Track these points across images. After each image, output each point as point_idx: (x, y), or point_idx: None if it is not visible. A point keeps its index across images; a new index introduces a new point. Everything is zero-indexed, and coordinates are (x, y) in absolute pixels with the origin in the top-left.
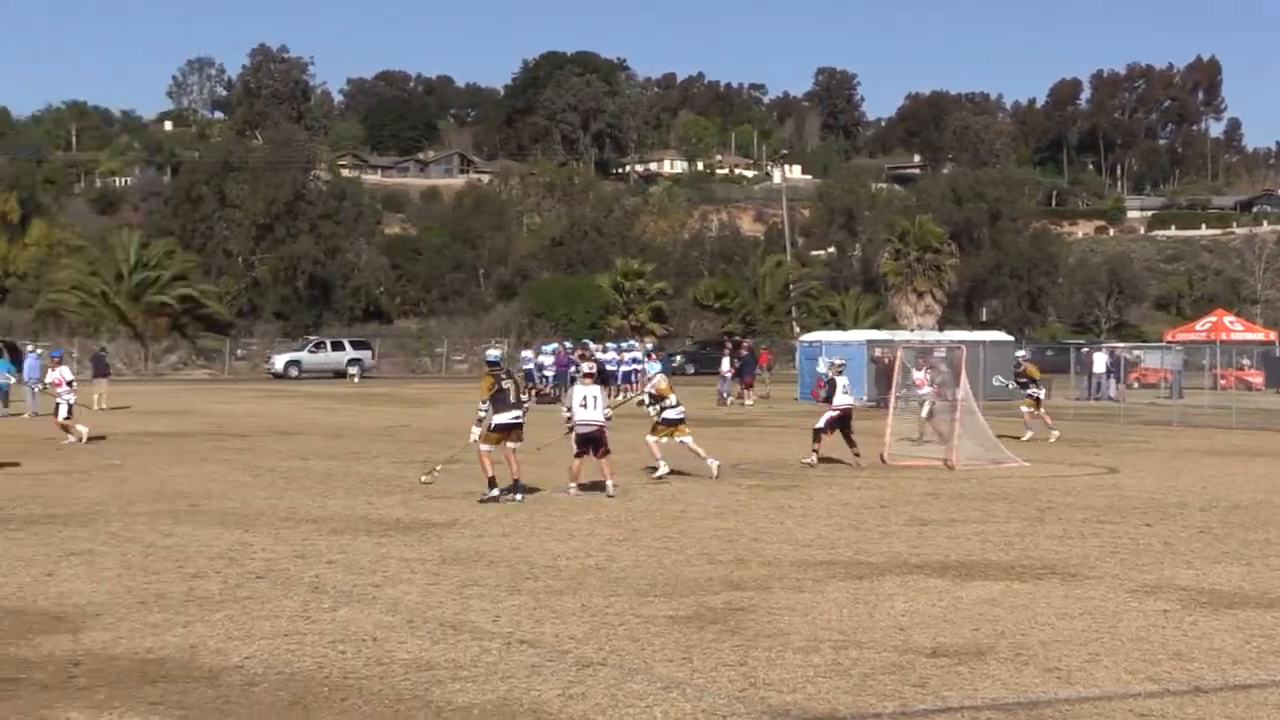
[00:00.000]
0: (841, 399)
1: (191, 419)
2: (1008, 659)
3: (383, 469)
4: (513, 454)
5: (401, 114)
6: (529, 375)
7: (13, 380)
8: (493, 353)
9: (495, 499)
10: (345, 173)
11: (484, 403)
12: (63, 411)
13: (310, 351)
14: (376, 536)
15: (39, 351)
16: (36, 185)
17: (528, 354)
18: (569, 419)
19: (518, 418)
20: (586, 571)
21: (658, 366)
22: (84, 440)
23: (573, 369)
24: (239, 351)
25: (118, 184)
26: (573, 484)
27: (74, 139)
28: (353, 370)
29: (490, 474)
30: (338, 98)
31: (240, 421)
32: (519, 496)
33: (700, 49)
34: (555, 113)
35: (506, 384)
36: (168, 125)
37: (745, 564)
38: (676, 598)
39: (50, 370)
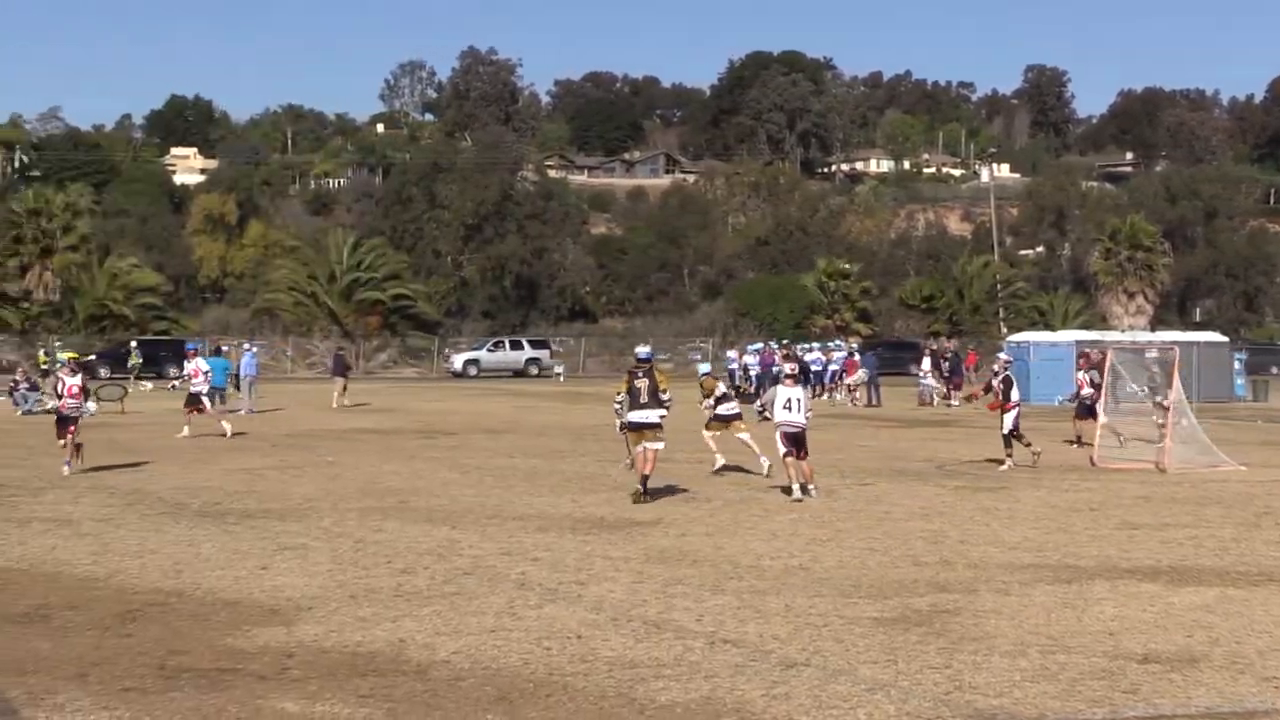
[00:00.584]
0: (1015, 395)
1: (401, 416)
2: (1222, 667)
3: (588, 467)
4: (651, 454)
5: (608, 115)
6: (732, 375)
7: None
8: (642, 349)
9: (645, 499)
10: (552, 173)
11: (619, 396)
12: (205, 403)
13: (489, 350)
14: (581, 534)
15: (255, 350)
16: (254, 187)
17: (732, 354)
18: (763, 415)
19: (648, 417)
20: (790, 572)
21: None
22: (188, 435)
23: (774, 369)
24: (446, 350)
25: (331, 185)
26: (795, 484)
27: (290, 142)
28: (558, 369)
29: (644, 473)
30: (545, 99)
31: (448, 419)
32: (645, 496)
33: (907, 47)
34: (761, 112)
35: (640, 382)
36: (380, 128)
37: (951, 566)
38: (881, 599)
39: (188, 362)
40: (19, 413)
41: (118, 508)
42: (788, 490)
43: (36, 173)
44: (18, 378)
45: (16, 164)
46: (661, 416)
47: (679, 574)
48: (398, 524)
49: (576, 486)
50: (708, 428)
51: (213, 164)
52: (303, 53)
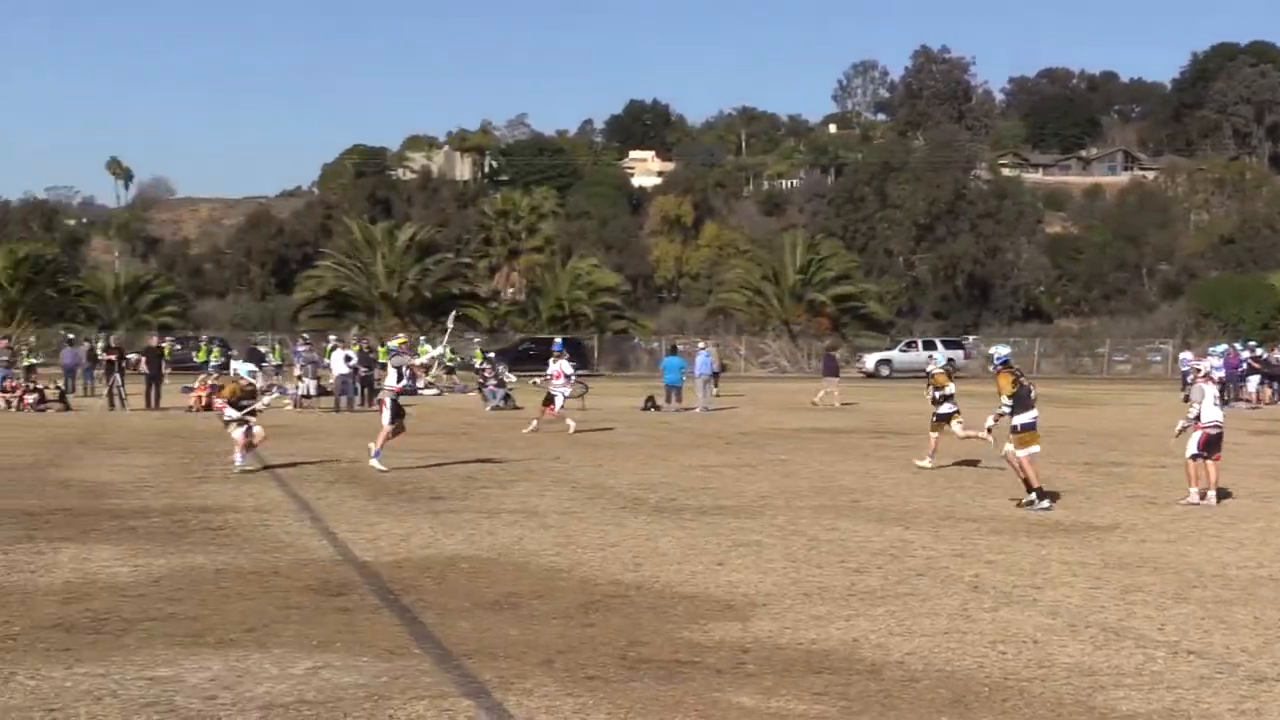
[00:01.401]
0: None
1: (854, 416)
2: None
3: (1042, 470)
4: (1029, 460)
5: (1064, 111)
6: (1184, 377)
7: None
8: (1004, 350)
9: (1047, 508)
10: (1005, 171)
11: (1008, 399)
12: (558, 404)
13: (901, 350)
14: (1036, 538)
15: (710, 349)
16: (709, 188)
17: (1187, 355)
18: (1193, 419)
19: (1037, 417)
20: (1259, 582)
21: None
22: (572, 431)
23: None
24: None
25: (784, 186)
26: (1197, 489)
27: (743, 144)
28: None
29: (1037, 482)
30: (999, 96)
31: (901, 419)
32: (1046, 504)
33: None
34: (1226, 106)
35: (1027, 381)
36: (832, 128)
37: None
38: None
39: (553, 363)
40: (488, 408)
41: (580, 501)
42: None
43: (505, 177)
44: (488, 374)
45: (486, 169)
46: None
47: (1139, 581)
48: (850, 523)
49: None
50: (933, 427)
51: (669, 166)
52: (757, 55)
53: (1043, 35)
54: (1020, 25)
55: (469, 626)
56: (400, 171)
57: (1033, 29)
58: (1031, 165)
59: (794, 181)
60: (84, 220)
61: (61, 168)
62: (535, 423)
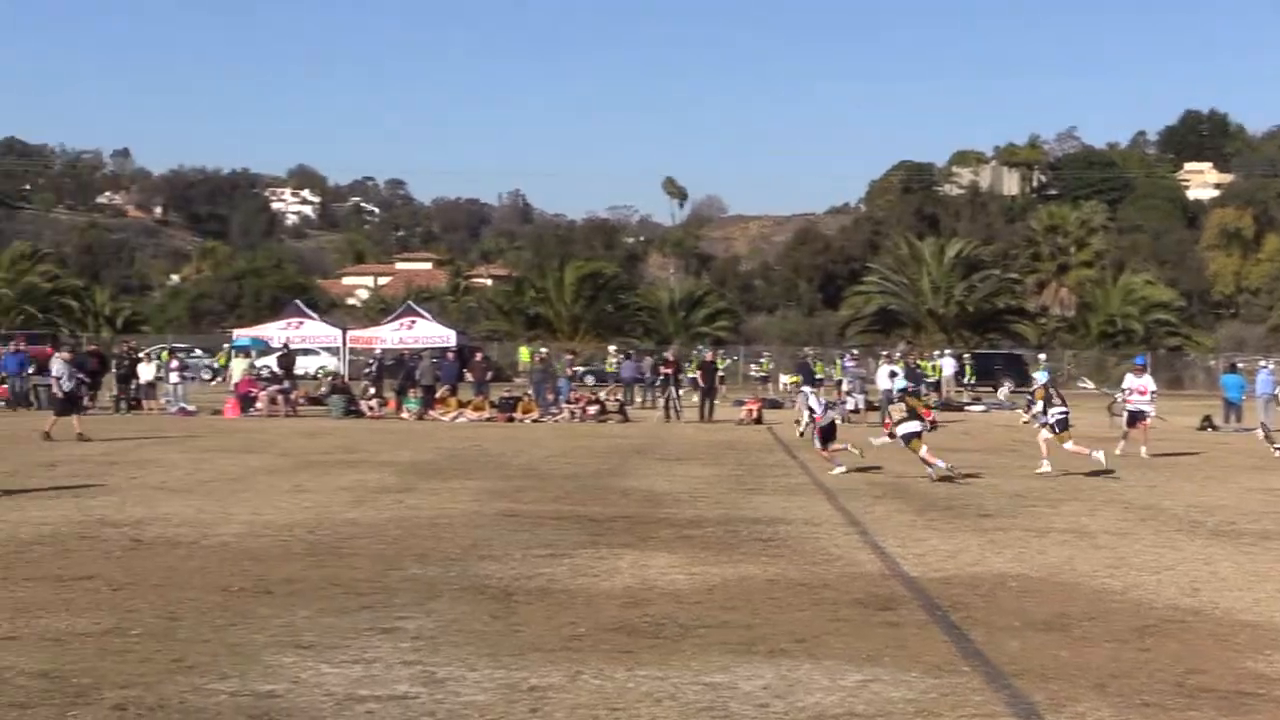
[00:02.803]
0: None
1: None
2: None
3: None
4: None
5: None
6: None
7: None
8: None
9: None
10: None
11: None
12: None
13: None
14: None
15: (1272, 367)
16: (1270, 200)
17: None
18: None
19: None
20: None
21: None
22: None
23: None
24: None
25: None
26: None
27: None
28: None
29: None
30: None
31: None
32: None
33: None
34: None
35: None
36: None
37: None
38: None
39: (1131, 377)
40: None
41: (1132, 522)
42: None
43: (1053, 191)
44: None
45: (1035, 183)
46: None
47: None
48: None
49: None
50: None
51: (1228, 178)
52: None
53: None
54: None
55: (1018, 646)
56: (947, 187)
57: None
58: None
59: None
60: (641, 238)
61: (622, 188)
62: (1142, 447)
